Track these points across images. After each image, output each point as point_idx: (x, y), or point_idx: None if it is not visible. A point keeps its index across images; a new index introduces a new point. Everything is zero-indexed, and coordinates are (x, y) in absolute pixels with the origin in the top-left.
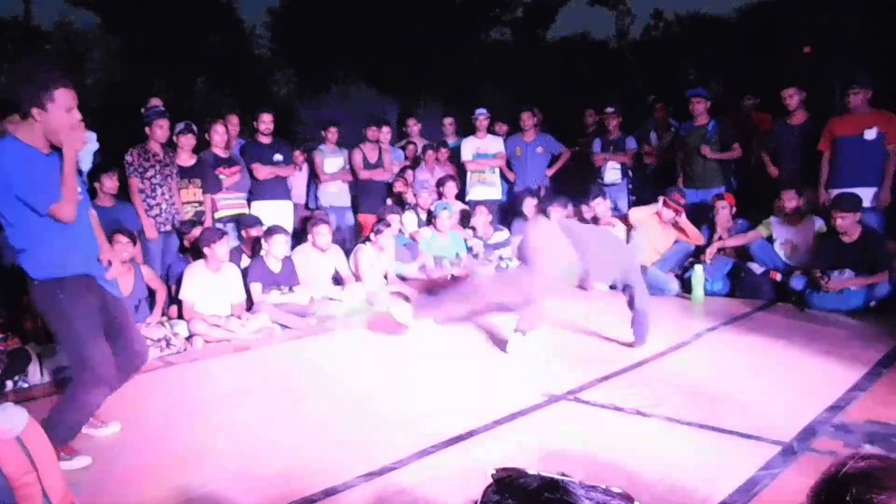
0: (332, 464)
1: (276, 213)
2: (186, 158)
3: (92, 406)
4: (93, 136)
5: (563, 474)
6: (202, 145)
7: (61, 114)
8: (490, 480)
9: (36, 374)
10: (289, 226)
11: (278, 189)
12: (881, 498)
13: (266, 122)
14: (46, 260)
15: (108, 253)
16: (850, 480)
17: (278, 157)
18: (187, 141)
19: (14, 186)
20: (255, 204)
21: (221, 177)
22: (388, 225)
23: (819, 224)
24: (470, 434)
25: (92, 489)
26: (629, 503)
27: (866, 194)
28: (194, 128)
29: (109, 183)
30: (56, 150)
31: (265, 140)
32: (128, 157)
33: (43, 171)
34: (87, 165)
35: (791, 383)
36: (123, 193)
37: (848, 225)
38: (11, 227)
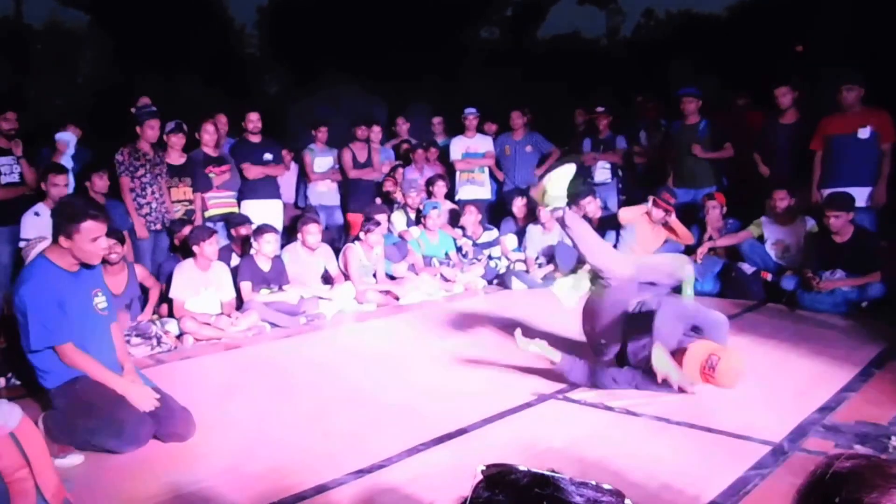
0: (322, 461)
1: (266, 211)
2: (176, 157)
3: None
4: (72, 137)
5: (553, 471)
6: (192, 144)
7: (86, 243)
8: (480, 477)
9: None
10: (278, 224)
11: (268, 188)
12: (872, 497)
13: (253, 120)
14: (53, 371)
15: (129, 388)
16: (839, 481)
17: (268, 156)
18: (177, 140)
19: (28, 309)
20: (244, 203)
21: (211, 176)
22: (378, 224)
23: (811, 224)
24: (460, 432)
25: (85, 486)
26: (620, 500)
27: (860, 194)
28: (185, 127)
29: (100, 182)
30: (84, 266)
31: (255, 139)
32: (118, 157)
33: (62, 296)
34: (69, 163)
35: (781, 383)
36: (114, 192)
37: (840, 224)
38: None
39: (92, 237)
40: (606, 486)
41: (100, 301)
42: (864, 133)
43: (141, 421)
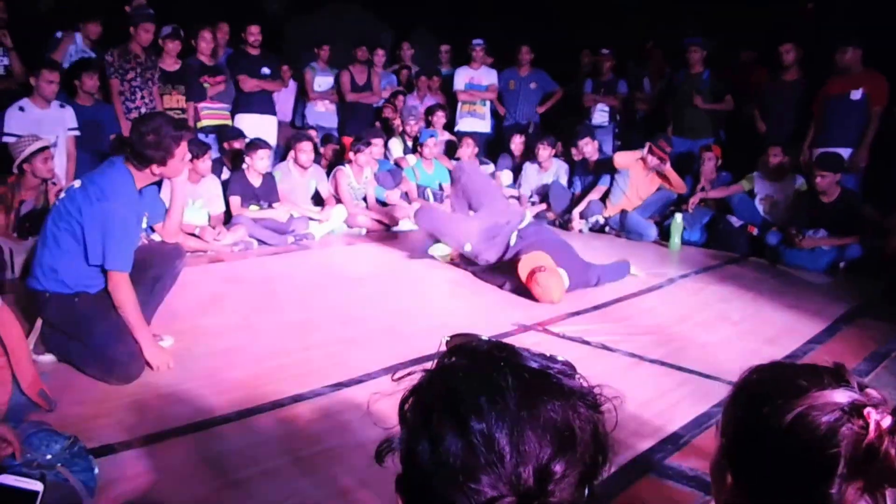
0: (300, 373)
1: (260, 126)
2: (171, 63)
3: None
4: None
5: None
6: (188, 54)
7: (179, 164)
8: (444, 348)
9: (7, 270)
10: (272, 141)
11: (264, 103)
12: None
13: (254, 33)
14: (67, 277)
15: None
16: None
17: (266, 70)
18: (173, 46)
19: (117, 228)
20: (238, 116)
21: (206, 85)
22: (369, 144)
23: (800, 182)
24: (439, 354)
25: (61, 380)
26: (571, 370)
27: (846, 155)
28: (181, 33)
29: (90, 82)
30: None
31: (253, 52)
32: (107, 57)
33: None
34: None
35: (753, 331)
36: (104, 95)
37: (827, 185)
38: (52, 253)
39: (183, 156)
40: (560, 358)
41: (143, 225)
42: (856, 94)
43: (132, 359)
